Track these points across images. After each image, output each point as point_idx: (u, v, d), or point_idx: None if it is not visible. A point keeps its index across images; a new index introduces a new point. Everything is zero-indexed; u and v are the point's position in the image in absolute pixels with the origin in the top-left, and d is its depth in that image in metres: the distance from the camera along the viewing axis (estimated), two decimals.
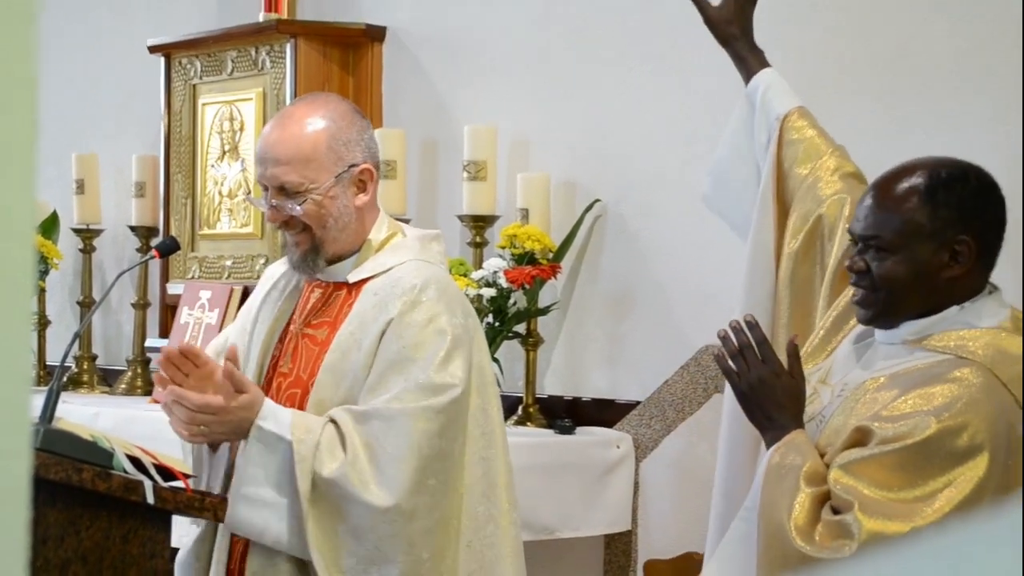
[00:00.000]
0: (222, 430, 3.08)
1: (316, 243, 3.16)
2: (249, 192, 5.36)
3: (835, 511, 2.83)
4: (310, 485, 3.00)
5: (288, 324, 3.26)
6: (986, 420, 2.80)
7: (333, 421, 3.05)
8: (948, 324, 2.93)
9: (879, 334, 3.03)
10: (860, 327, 3.10)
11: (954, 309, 2.93)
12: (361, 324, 3.12)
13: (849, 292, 3.13)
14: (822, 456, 2.91)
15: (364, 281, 3.17)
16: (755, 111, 3.48)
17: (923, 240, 2.90)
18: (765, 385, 2.98)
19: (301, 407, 3.13)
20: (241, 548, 3.17)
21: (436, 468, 3.03)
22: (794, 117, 3.45)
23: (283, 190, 3.14)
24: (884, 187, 2.95)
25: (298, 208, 3.13)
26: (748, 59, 3.52)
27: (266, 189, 3.19)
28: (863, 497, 2.79)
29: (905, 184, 2.92)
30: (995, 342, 2.90)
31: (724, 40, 3.54)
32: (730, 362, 3.02)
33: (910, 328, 2.97)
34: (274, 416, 3.06)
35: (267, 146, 3.18)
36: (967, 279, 2.93)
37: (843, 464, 2.83)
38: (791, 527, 2.82)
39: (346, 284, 3.19)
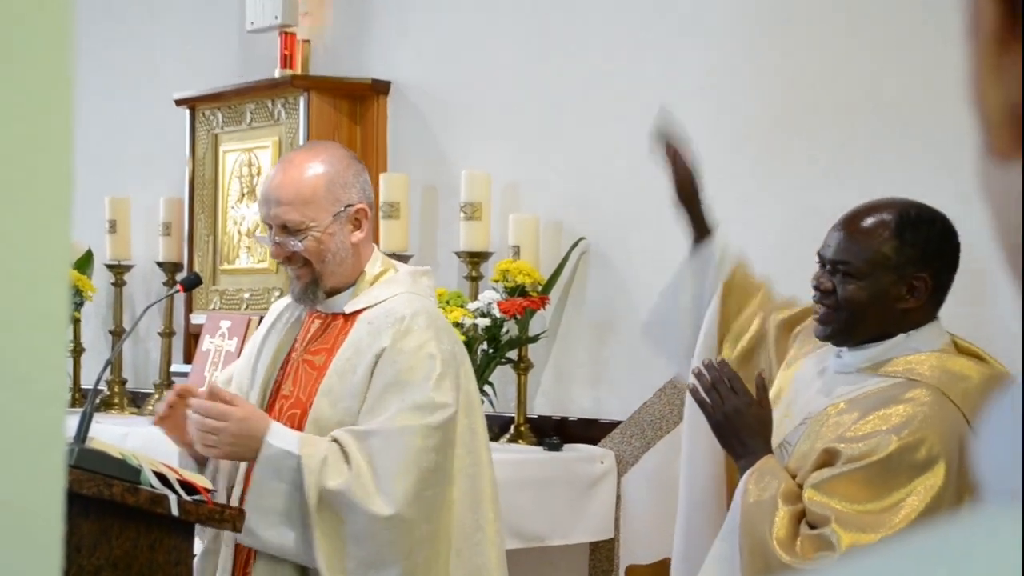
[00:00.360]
0: (230, 441, 3.04)
1: (316, 276, 3.17)
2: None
3: (811, 527, 2.84)
4: (317, 496, 2.99)
5: (290, 352, 3.26)
6: (940, 435, 2.83)
7: (336, 440, 3.04)
8: (897, 351, 2.96)
9: (834, 364, 3.05)
10: (816, 356, 3.12)
11: (901, 337, 2.96)
12: (356, 351, 3.12)
13: (791, 351, 3.19)
14: (792, 478, 2.93)
15: (359, 312, 3.18)
16: (707, 269, 3.40)
17: (887, 271, 2.92)
18: (739, 414, 2.99)
19: (300, 426, 3.13)
20: (244, 558, 3.17)
21: (432, 481, 3.03)
22: (738, 270, 3.43)
23: (286, 228, 3.15)
24: (857, 219, 2.97)
25: (299, 244, 3.14)
26: (702, 220, 3.41)
27: (270, 227, 3.20)
28: (837, 512, 2.80)
29: (877, 218, 2.95)
30: (940, 364, 2.93)
31: (687, 199, 3.41)
32: (704, 395, 3.02)
33: (862, 356, 2.99)
34: (281, 435, 3.06)
35: (270, 189, 3.19)
36: (918, 312, 2.96)
37: (815, 484, 2.85)
38: (774, 542, 2.83)
39: (343, 314, 3.20)
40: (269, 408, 3.21)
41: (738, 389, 2.99)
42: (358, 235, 3.20)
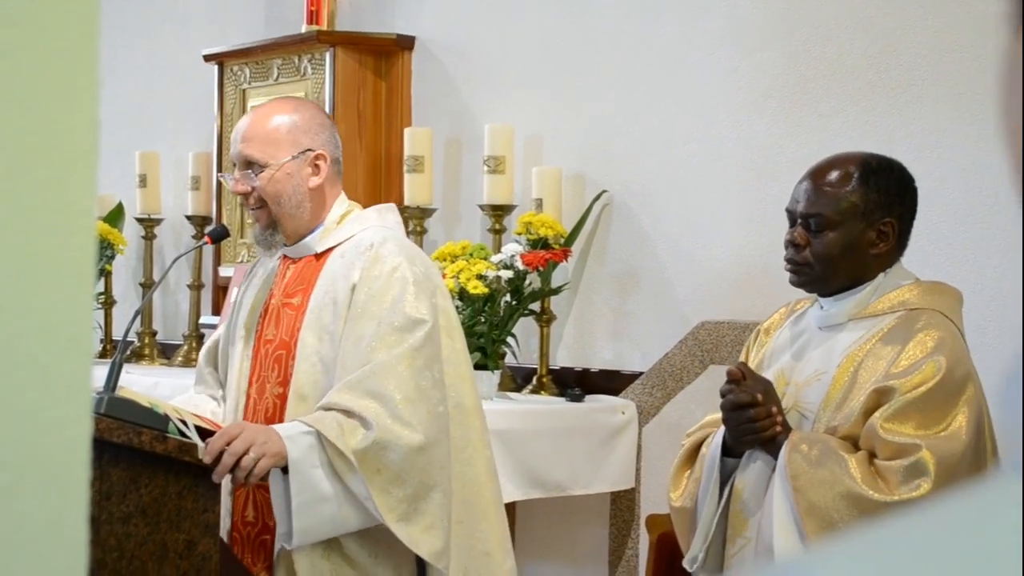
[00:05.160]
0: (263, 439, 2.97)
1: (273, 218, 3.23)
2: None
3: (889, 460, 2.86)
4: (354, 457, 2.97)
5: (268, 300, 3.30)
6: (962, 350, 2.94)
7: (329, 408, 3.01)
8: (881, 290, 3.05)
9: (816, 319, 3.09)
10: (787, 325, 3.17)
11: (880, 277, 3.05)
12: (332, 283, 3.17)
13: (753, 352, 3.20)
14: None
15: (330, 249, 3.24)
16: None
17: (857, 219, 3.01)
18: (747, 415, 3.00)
19: (287, 366, 3.16)
20: (242, 502, 3.19)
21: (436, 398, 3.06)
22: None
23: (247, 164, 3.24)
24: (823, 173, 3.06)
25: (256, 179, 3.21)
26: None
27: (235, 167, 3.29)
28: (921, 437, 2.84)
29: (841, 170, 3.04)
30: (923, 291, 3.04)
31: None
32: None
33: (851, 303, 3.06)
34: (284, 425, 3.05)
35: (237, 130, 3.30)
36: (887, 257, 3.05)
37: (887, 417, 2.88)
38: (861, 486, 2.85)
39: (315, 255, 3.25)
40: (253, 356, 3.24)
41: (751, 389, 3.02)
42: (315, 180, 3.25)
